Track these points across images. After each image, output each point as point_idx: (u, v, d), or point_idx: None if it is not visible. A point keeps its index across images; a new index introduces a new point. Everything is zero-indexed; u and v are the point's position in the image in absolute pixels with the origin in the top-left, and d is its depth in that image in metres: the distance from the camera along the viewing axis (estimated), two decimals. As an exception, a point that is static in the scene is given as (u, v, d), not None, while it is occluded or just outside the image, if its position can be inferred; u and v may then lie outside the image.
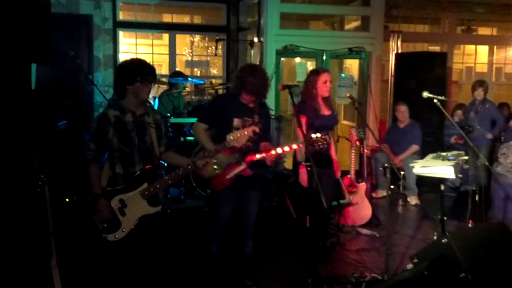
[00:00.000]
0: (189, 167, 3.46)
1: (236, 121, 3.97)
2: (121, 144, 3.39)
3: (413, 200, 7.15)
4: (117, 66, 3.48)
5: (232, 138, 3.50)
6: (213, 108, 4.16)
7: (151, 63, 3.52)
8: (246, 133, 3.51)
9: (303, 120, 4.48)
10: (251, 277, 4.37)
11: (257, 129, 3.64)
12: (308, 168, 3.65)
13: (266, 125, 4.18)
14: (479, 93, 7.35)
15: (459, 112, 7.74)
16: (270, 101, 8.24)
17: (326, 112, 4.75)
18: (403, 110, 7.45)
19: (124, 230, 3.39)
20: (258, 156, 3.87)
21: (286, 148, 3.88)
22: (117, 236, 3.39)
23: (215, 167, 3.85)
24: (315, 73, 4.72)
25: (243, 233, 4.25)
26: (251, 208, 4.17)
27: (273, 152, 3.83)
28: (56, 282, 3.52)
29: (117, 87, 3.48)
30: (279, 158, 6.94)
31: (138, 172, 3.41)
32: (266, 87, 4.05)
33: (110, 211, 3.36)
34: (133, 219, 3.39)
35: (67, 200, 4.63)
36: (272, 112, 7.99)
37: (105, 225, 3.37)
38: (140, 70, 3.40)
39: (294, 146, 3.95)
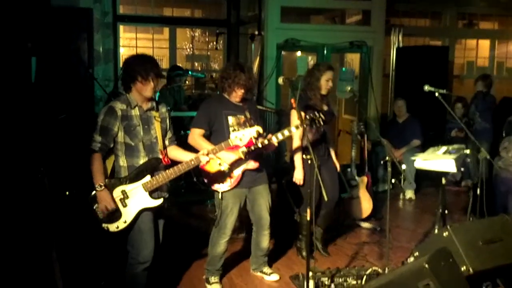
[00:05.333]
0: (192, 162, 3.48)
1: (231, 119, 4.06)
2: (127, 137, 3.40)
3: (408, 194, 7.15)
4: (126, 60, 3.46)
5: (236, 136, 3.54)
6: (206, 111, 4.14)
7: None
8: (249, 133, 3.55)
9: (303, 115, 4.46)
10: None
11: (261, 130, 3.65)
12: (309, 162, 3.63)
13: (256, 118, 4.24)
14: (478, 87, 7.40)
15: (459, 105, 7.73)
16: (271, 94, 8.23)
17: (323, 107, 4.73)
18: (400, 105, 7.48)
19: (125, 221, 3.38)
20: (258, 143, 3.87)
21: (286, 133, 3.93)
22: (118, 227, 3.38)
23: (219, 163, 3.85)
24: (320, 69, 4.68)
25: (259, 227, 4.31)
26: (262, 203, 4.23)
27: (273, 139, 3.89)
28: (56, 274, 3.51)
29: (123, 83, 3.48)
30: (280, 152, 6.92)
31: (142, 165, 3.41)
32: (254, 80, 4.21)
33: (110, 202, 3.33)
34: (134, 211, 3.38)
35: (67, 193, 4.62)
36: (273, 106, 7.98)
37: (106, 215, 3.36)
38: (140, 68, 3.35)
39: (293, 130, 3.96)
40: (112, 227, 3.39)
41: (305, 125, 3.88)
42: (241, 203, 4.17)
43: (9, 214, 4.03)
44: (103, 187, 3.32)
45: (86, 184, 3.42)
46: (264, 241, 4.35)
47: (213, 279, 4.26)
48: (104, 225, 3.40)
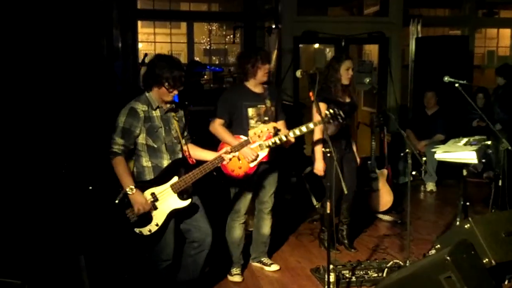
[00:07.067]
0: (216, 161, 3.49)
1: (251, 111, 4.10)
2: (149, 139, 3.36)
3: (429, 186, 7.10)
4: (153, 58, 3.37)
5: (254, 133, 3.58)
6: (226, 101, 4.18)
7: (182, 64, 3.47)
8: (267, 129, 3.60)
9: (323, 107, 4.45)
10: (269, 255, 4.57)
11: (278, 126, 3.78)
12: (328, 155, 3.64)
13: (278, 105, 4.29)
14: (498, 78, 7.34)
15: (481, 95, 7.65)
16: (289, 88, 8.21)
17: (346, 99, 4.73)
18: (429, 97, 7.38)
19: (157, 224, 3.36)
20: (276, 139, 3.97)
21: (304, 129, 4.01)
22: (150, 230, 3.36)
23: (239, 161, 3.98)
24: (338, 59, 4.68)
25: (260, 210, 4.40)
26: (268, 189, 4.32)
27: (290, 134, 3.98)
28: (83, 271, 3.57)
29: (145, 80, 3.42)
30: (299, 144, 6.92)
31: (168, 166, 3.40)
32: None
33: (145, 203, 3.29)
34: (164, 213, 3.37)
35: (90, 188, 4.68)
36: (291, 99, 7.97)
37: (137, 219, 3.33)
38: (169, 75, 3.29)
39: (311, 126, 4.05)
40: (145, 231, 3.36)
41: (324, 123, 3.89)
42: (253, 188, 4.25)
43: (32, 209, 4.10)
44: (135, 190, 3.27)
45: (109, 179, 3.43)
46: (265, 226, 4.41)
47: (234, 270, 4.31)
48: (137, 229, 3.36)
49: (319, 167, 4.59)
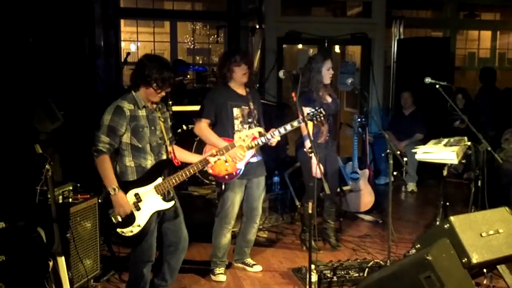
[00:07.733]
0: (201, 163, 3.50)
1: (236, 111, 4.10)
2: (133, 139, 3.33)
3: (410, 186, 7.16)
4: (143, 58, 3.33)
5: (240, 137, 3.64)
6: (212, 101, 4.16)
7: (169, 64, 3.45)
8: (252, 133, 3.66)
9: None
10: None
11: (262, 131, 3.82)
12: (310, 155, 3.65)
13: (259, 108, 4.30)
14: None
15: (460, 96, 7.76)
16: (272, 88, 8.23)
17: (328, 99, 4.72)
18: (406, 97, 7.47)
19: (139, 225, 3.33)
20: (262, 139, 3.94)
21: (288, 127, 3.95)
22: (132, 231, 3.33)
23: (226, 163, 3.94)
24: (318, 61, 4.67)
25: (249, 218, 4.35)
26: (256, 195, 4.29)
27: (276, 133, 3.93)
28: (62, 269, 3.52)
29: (133, 81, 3.38)
30: (282, 144, 6.93)
31: (152, 166, 3.38)
32: (252, 59, 4.27)
33: (127, 205, 3.27)
34: (147, 214, 3.35)
35: (70, 188, 4.65)
36: (274, 100, 7.98)
37: (120, 220, 3.32)
38: (158, 76, 3.25)
39: (295, 124, 3.99)
40: (127, 232, 3.33)
41: (306, 121, 3.87)
42: (242, 193, 4.23)
43: (13, 209, 4.05)
44: (117, 190, 3.24)
45: (88, 178, 3.39)
46: (252, 233, 4.41)
47: (218, 270, 4.30)
48: (119, 230, 3.34)
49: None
